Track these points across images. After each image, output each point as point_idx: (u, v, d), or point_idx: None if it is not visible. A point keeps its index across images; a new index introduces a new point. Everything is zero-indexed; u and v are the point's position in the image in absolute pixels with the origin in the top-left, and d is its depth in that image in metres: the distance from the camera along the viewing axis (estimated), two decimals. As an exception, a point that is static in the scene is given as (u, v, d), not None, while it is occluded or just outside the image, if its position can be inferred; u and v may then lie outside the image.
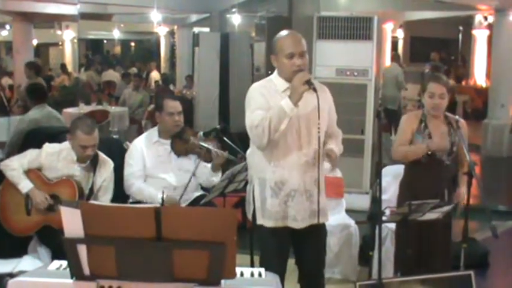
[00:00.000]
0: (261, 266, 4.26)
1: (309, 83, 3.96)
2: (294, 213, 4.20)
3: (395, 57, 15.87)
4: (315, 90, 3.99)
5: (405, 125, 5.13)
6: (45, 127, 7.18)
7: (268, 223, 4.23)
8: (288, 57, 4.10)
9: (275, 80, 4.24)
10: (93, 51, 37.01)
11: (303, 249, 4.39)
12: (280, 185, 4.19)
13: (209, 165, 5.50)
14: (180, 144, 5.42)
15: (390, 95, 13.87)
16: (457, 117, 5.12)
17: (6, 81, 18.92)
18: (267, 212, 4.22)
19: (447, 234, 5.10)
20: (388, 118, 13.44)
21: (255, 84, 4.29)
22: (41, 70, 12.52)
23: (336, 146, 4.24)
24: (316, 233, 4.34)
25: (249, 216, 4.38)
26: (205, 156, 5.41)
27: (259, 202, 4.26)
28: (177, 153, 5.44)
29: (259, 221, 4.27)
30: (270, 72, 4.41)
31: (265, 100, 4.11)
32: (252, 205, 4.32)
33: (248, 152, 4.42)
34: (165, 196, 4.89)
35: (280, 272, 4.20)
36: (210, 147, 5.34)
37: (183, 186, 5.38)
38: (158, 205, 5.03)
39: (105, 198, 5.22)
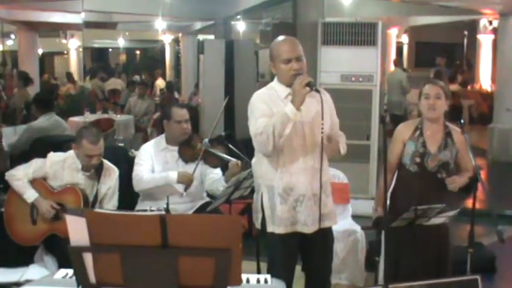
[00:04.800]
0: (269, 273, 4.24)
1: (310, 85, 3.97)
2: (304, 218, 4.20)
3: (398, 62, 15.86)
4: (317, 91, 4.02)
5: (397, 135, 4.99)
6: (51, 136, 7.22)
7: (279, 230, 4.22)
8: (285, 62, 4.14)
9: (276, 86, 4.26)
10: (97, 60, 37.02)
11: (311, 255, 4.38)
12: (288, 191, 4.19)
13: (216, 170, 5.51)
14: (188, 151, 5.43)
15: (396, 101, 13.86)
16: (457, 128, 4.89)
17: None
18: (277, 218, 4.21)
19: (445, 243, 4.96)
20: (395, 124, 13.40)
21: (257, 92, 4.30)
22: (30, 81, 12.61)
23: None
24: (324, 238, 4.34)
25: (257, 225, 4.37)
26: (213, 162, 5.43)
27: (269, 210, 4.24)
28: (185, 160, 5.45)
29: (270, 228, 4.25)
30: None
31: (268, 107, 4.13)
32: (260, 213, 4.31)
33: (253, 160, 4.42)
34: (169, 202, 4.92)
35: (289, 279, 4.24)
36: (224, 155, 5.36)
37: (190, 193, 5.39)
38: (174, 183, 5.27)
39: (110, 206, 5.23)
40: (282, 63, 4.16)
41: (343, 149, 4.28)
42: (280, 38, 4.30)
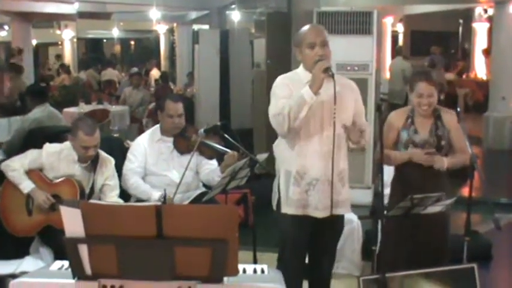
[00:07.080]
0: (280, 255, 4.51)
1: (327, 70, 4.05)
2: (316, 202, 4.28)
3: (397, 51, 15.85)
4: (332, 76, 4.08)
5: (391, 122, 5.02)
6: (46, 127, 7.19)
7: (290, 210, 4.33)
8: (309, 46, 4.23)
9: (300, 72, 4.37)
10: (92, 51, 36.92)
11: (318, 239, 4.47)
12: (302, 174, 4.29)
13: (211, 161, 5.49)
14: (183, 142, 5.41)
15: (398, 90, 13.85)
16: (447, 109, 4.94)
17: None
18: (290, 200, 4.33)
19: (443, 231, 4.97)
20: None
21: (281, 76, 4.42)
22: (22, 71, 12.64)
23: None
24: (335, 224, 4.44)
25: (274, 206, 4.50)
26: (208, 153, 5.41)
27: (284, 191, 4.37)
28: (180, 151, 5.43)
29: (284, 209, 4.37)
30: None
31: (289, 90, 4.23)
32: (276, 194, 4.45)
33: (275, 143, 4.53)
34: (166, 193, 4.91)
35: (299, 262, 4.44)
36: (219, 147, 5.34)
37: (186, 183, 5.36)
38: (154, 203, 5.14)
39: (113, 194, 5.23)
40: (306, 48, 4.25)
41: (364, 140, 4.41)
42: (307, 25, 4.41)
